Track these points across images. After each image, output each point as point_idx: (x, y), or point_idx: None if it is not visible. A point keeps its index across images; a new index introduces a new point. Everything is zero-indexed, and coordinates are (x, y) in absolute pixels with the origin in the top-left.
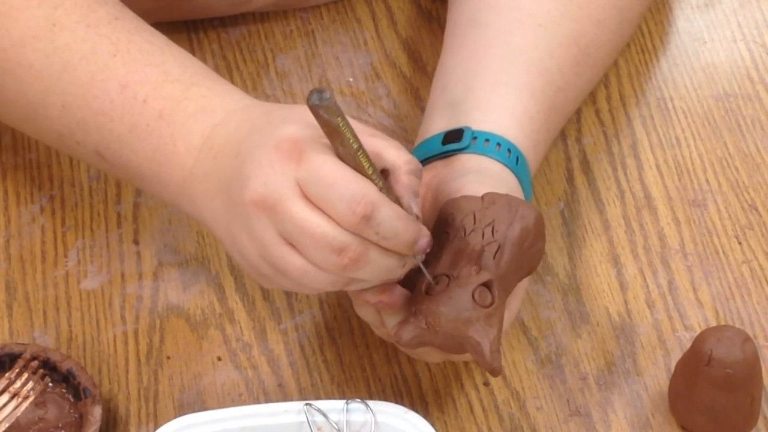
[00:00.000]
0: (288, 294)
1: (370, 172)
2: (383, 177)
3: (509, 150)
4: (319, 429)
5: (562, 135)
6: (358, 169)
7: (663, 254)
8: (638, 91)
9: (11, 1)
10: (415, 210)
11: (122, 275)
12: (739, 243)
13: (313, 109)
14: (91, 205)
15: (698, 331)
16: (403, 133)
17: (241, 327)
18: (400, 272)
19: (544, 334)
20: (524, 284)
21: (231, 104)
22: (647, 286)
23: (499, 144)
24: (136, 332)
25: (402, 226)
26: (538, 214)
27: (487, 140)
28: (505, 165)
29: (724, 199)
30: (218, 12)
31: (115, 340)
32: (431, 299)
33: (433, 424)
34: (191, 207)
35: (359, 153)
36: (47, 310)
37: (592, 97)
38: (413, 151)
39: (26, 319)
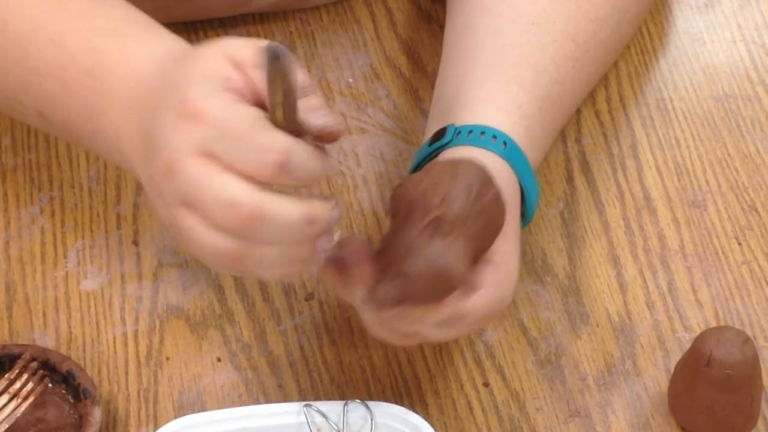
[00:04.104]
0: (288, 295)
1: (281, 117)
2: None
3: (494, 136)
4: (318, 430)
5: (562, 136)
6: (282, 123)
7: (663, 255)
8: (638, 92)
9: None
10: (319, 120)
11: (122, 276)
12: (739, 244)
13: (265, 55)
14: (91, 206)
15: (698, 332)
16: (403, 133)
17: (240, 328)
18: (309, 232)
19: (543, 335)
20: (519, 240)
21: (154, 54)
22: (647, 287)
23: (483, 132)
24: (135, 333)
25: (318, 163)
26: (479, 165)
27: (470, 132)
28: (492, 151)
29: (723, 200)
30: (218, 13)
31: (114, 341)
32: (388, 252)
33: (432, 425)
34: (127, 165)
35: (276, 107)
36: (47, 311)
37: (591, 98)
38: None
39: (26, 320)
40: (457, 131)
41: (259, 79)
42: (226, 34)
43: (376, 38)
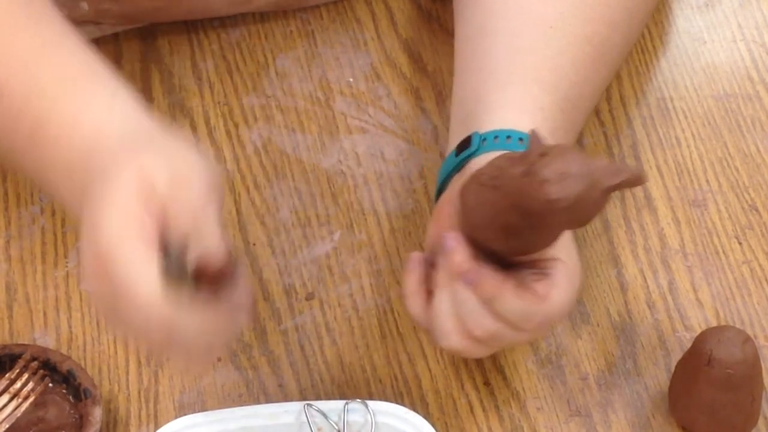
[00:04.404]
0: (288, 294)
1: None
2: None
3: (520, 139)
4: (319, 429)
5: None
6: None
7: (663, 254)
8: (638, 91)
9: None
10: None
11: None
12: (740, 243)
13: None
14: None
15: (698, 331)
16: (404, 133)
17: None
18: (219, 338)
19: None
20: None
21: (82, 142)
22: (647, 287)
23: (509, 136)
24: None
25: (211, 318)
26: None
27: (495, 137)
28: None
29: (724, 200)
30: (218, 12)
31: (115, 341)
32: (549, 161)
33: (433, 425)
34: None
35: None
36: (47, 311)
37: None
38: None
39: (26, 319)
40: (483, 138)
41: (167, 205)
42: (226, 33)
43: (377, 37)
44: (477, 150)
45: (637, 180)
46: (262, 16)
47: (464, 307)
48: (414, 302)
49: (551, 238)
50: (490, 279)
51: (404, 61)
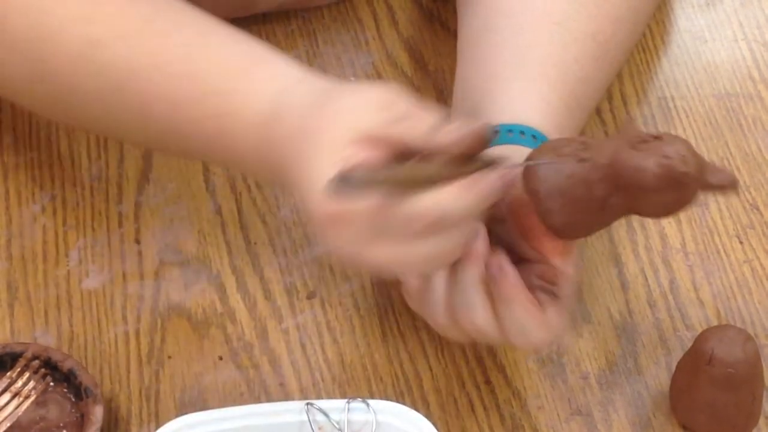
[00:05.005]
0: (289, 293)
1: (422, 181)
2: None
3: (534, 136)
4: (320, 428)
5: None
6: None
7: (664, 253)
8: (639, 90)
9: (52, 24)
10: (453, 135)
11: (123, 274)
12: (741, 242)
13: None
14: (93, 205)
15: (699, 330)
16: None
17: (242, 326)
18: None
19: None
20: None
21: (263, 113)
22: (648, 286)
23: (522, 132)
24: (137, 332)
25: (472, 197)
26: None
27: (510, 131)
28: (523, 146)
29: (725, 199)
30: (221, 17)
31: (116, 340)
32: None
33: (434, 423)
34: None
35: (403, 182)
36: (48, 310)
37: None
38: None
39: (27, 318)
40: (495, 130)
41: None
42: None
43: (378, 37)
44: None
45: (732, 185)
46: (263, 16)
47: (463, 296)
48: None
49: (615, 217)
50: (512, 279)
51: (405, 61)
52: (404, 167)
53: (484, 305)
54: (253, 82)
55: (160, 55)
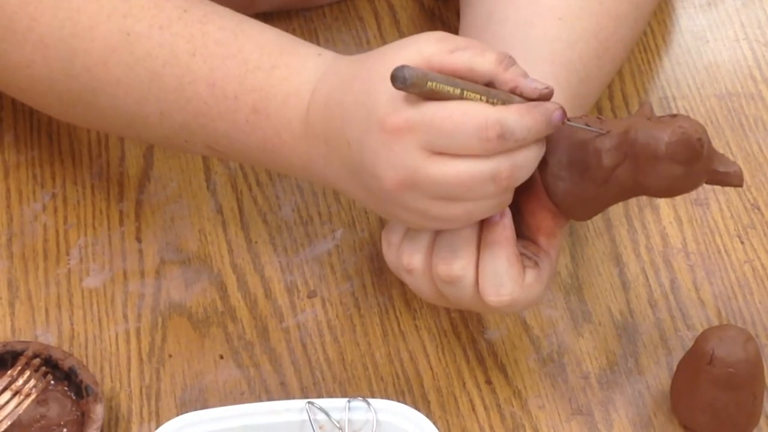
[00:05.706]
0: (290, 292)
1: (479, 98)
2: (491, 86)
3: None
4: (320, 427)
5: None
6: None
7: (665, 253)
8: (641, 90)
9: (83, 21)
10: (533, 86)
11: (124, 273)
12: (742, 242)
13: (402, 90)
14: (94, 203)
15: (700, 330)
16: None
17: (243, 325)
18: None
19: (546, 333)
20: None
21: (311, 80)
22: (649, 286)
23: None
24: (138, 330)
25: (531, 119)
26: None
27: None
28: None
29: (726, 199)
30: None
31: (117, 338)
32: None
33: (435, 423)
34: (326, 184)
35: (464, 93)
36: (49, 308)
37: None
38: None
39: (28, 317)
40: None
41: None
42: None
43: (379, 36)
44: None
45: (738, 179)
46: (264, 16)
47: (452, 238)
48: None
49: (617, 194)
50: (507, 224)
51: None
52: (464, 82)
53: (468, 249)
54: (295, 57)
55: (199, 38)
